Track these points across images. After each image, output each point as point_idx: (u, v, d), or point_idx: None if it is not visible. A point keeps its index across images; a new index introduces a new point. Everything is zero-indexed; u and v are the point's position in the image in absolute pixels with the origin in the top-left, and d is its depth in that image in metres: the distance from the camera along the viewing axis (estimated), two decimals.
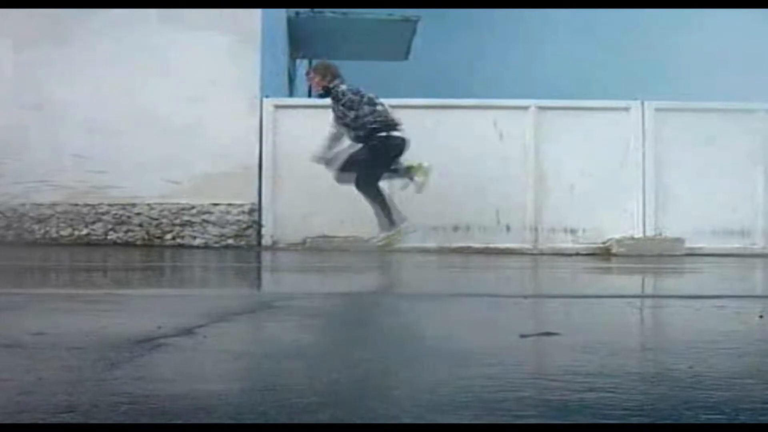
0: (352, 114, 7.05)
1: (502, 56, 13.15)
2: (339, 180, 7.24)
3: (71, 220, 7.75)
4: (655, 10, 12.56)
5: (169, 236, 7.75)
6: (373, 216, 7.16)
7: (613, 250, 7.73)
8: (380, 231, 7.17)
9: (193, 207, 7.76)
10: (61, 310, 3.05)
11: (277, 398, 1.55)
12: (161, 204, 7.77)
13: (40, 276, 5.26)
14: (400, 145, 7.13)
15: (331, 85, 7.16)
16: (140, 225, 7.76)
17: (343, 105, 7.08)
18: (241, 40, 7.84)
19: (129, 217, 7.76)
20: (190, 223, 7.78)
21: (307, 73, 7.76)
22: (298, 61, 13.05)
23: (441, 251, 7.56)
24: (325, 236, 7.56)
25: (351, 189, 7.13)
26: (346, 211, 7.50)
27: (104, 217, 7.76)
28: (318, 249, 7.45)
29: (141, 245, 7.63)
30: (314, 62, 9.11)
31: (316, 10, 11.23)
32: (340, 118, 7.15)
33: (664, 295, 4.59)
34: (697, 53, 12.69)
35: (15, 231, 7.69)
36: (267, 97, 7.96)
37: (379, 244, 7.13)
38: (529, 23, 13.20)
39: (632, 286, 5.10)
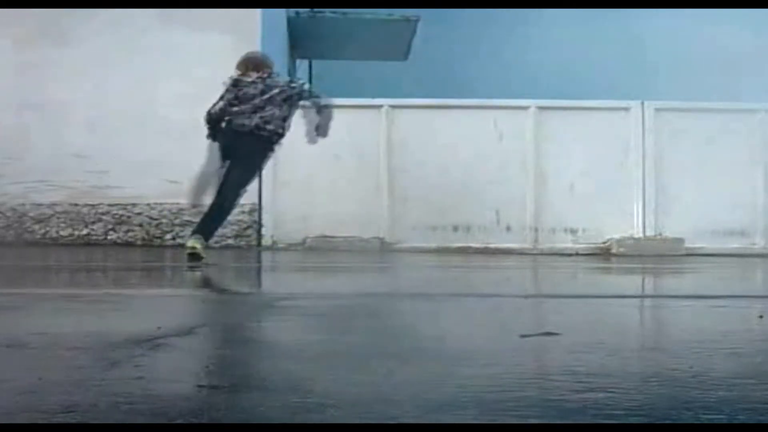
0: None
1: (503, 56, 13.15)
2: None
3: (71, 220, 7.75)
4: (655, 10, 12.56)
5: (168, 236, 7.75)
6: (373, 216, 7.15)
7: (613, 250, 7.73)
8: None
9: (193, 207, 7.76)
10: (61, 310, 3.05)
11: (277, 398, 1.55)
12: (161, 204, 7.77)
13: (41, 276, 5.26)
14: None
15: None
16: (140, 225, 7.76)
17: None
18: (241, 40, 7.82)
19: (129, 217, 7.76)
20: (190, 223, 7.76)
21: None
22: (298, 61, 13.04)
23: (441, 251, 7.56)
24: (325, 236, 7.56)
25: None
26: (346, 211, 7.50)
27: (104, 217, 7.76)
28: (318, 249, 7.45)
29: (141, 245, 7.63)
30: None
31: (316, 10, 11.22)
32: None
33: (664, 295, 4.59)
34: (698, 53, 12.69)
35: (15, 231, 7.69)
36: None
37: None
38: (530, 23, 13.20)
39: (632, 287, 5.09)
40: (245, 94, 6.27)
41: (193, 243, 5.84)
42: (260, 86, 6.31)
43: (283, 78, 6.65)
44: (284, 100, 6.33)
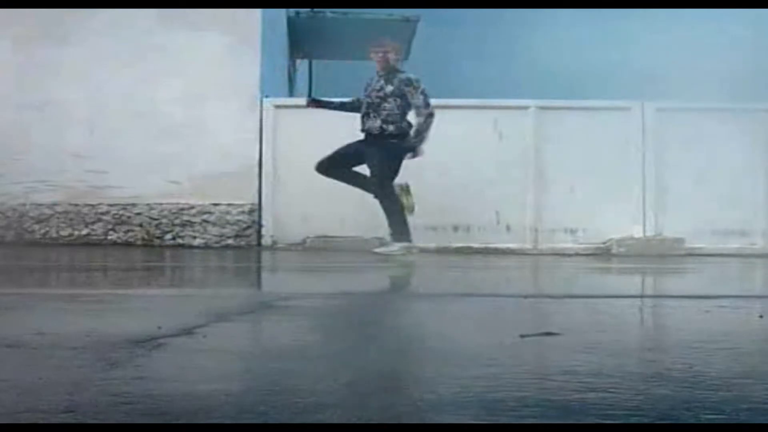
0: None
1: (503, 56, 13.15)
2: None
3: (71, 220, 7.75)
4: (655, 10, 12.56)
5: (169, 236, 7.75)
6: (373, 216, 7.13)
7: (613, 251, 7.72)
8: (391, 240, 6.82)
9: (193, 207, 7.76)
10: (61, 310, 3.05)
11: (277, 398, 1.55)
12: (161, 204, 7.77)
13: (40, 276, 5.26)
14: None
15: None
16: (140, 225, 7.75)
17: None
18: (241, 40, 7.83)
19: (129, 217, 7.76)
20: (190, 223, 7.78)
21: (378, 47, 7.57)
22: (298, 61, 13.05)
23: (441, 251, 7.56)
24: (325, 236, 7.55)
25: (351, 189, 7.10)
26: (346, 211, 7.49)
27: (104, 217, 7.76)
28: (318, 249, 7.45)
29: (141, 245, 7.62)
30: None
31: (316, 10, 11.23)
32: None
33: (663, 295, 4.59)
34: (698, 53, 12.68)
35: (15, 231, 7.69)
36: (267, 96, 7.96)
37: (394, 252, 6.68)
38: (530, 23, 13.20)
39: (632, 287, 5.10)
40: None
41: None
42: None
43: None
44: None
